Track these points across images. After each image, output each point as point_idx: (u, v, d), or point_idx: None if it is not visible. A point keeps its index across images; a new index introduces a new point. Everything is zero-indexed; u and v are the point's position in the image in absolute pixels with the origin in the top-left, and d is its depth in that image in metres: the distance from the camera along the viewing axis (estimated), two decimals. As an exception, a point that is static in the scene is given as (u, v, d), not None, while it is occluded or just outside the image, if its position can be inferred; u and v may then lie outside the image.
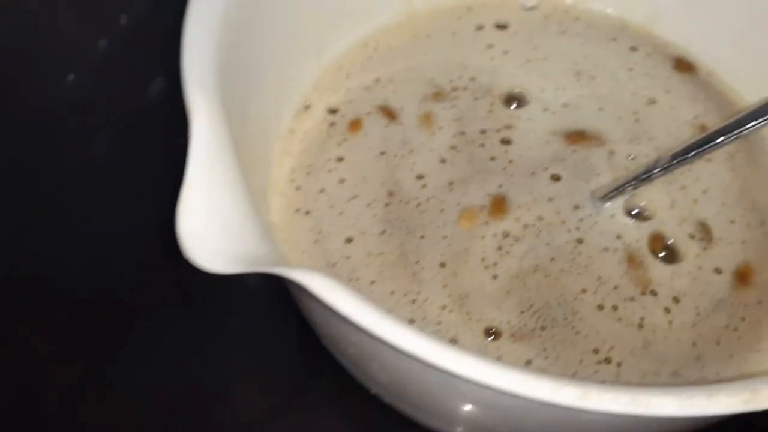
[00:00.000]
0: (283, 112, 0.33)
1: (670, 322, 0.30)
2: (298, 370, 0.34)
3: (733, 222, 0.33)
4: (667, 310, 0.30)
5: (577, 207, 0.32)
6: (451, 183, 0.33)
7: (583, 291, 0.30)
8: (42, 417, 0.32)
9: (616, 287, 0.31)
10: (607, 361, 0.29)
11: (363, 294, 0.29)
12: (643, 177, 0.31)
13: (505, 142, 0.34)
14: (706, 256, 0.32)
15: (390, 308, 0.30)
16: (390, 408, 0.30)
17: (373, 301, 0.29)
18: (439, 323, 0.29)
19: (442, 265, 0.31)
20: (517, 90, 0.36)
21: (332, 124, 0.35)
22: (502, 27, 0.38)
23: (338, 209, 0.32)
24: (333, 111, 0.35)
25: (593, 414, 0.20)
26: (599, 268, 0.31)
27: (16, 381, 0.33)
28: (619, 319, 0.30)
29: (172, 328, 0.34)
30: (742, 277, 0.32)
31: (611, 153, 0.34)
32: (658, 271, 0.31)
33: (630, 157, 0.34)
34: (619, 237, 0.32)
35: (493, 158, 0.34)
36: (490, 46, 0.37)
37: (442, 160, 0.34)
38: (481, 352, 0.29)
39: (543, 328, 0.29)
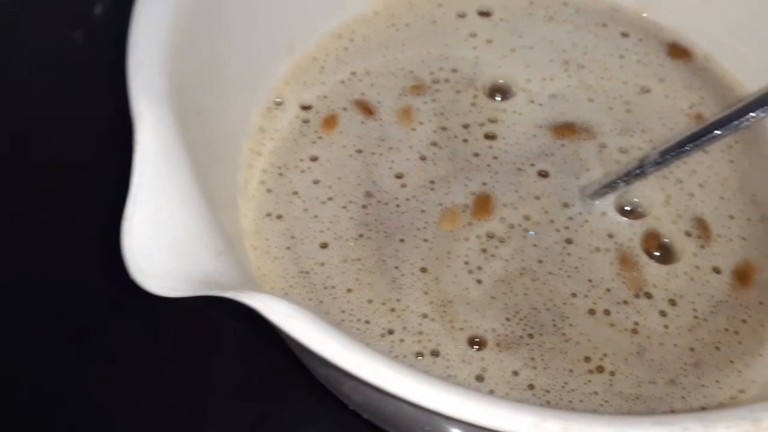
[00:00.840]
0: (252, 110, 0.32)
1: (666, 327, 0.28)
2: (276, 384, 0.33)
3: (732, 218, 0.31)
4: (663, 314, 0.29)
5: (565, 205, 0.31)
6: (432, 182, 0.31)
7: (573, 295, 0.29)
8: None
9: (608, 290, 0.29)
10: (600, 369, 0.27)
11: (339, 303, 0.28)
12: (636, 172, 0.29)
13: (490, 136, 0.32)
14: (704, 254, 0.30)
15: (367, 318, 0.28)
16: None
17: (350, 310, 0.28)
18: (420, 333, 0.28)
19: (423, 270, 0.29)
20: (501, 81, 0.34)
21: (305, 122, 0.33)
22: (485, 14, 0.36)
23: (312, 212, 0.30)
24: (306, 107, 0.33)
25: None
26: (590, 270, 0.29)
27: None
28: (612, 325, 0.28)
29: (148, 343, 0.33)
30: (743, 276, 0.30)
31: (602, 146, 0.32)
32: (652, 271, 0.29)
33: (622, 150, 0.32)
34: (610, 236, 0.30)
35: (476, 154, 0.32)
36: (472, 35, 0.35)
37: (423, 158, 0.32)
38: (465, 363, 0.27)
39: (531, 336, 0.28)
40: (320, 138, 0.32)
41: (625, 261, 0.30)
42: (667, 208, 0.31)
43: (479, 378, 0.27)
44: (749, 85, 0.34)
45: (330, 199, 0.31)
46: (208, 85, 0.27)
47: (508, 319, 0.28)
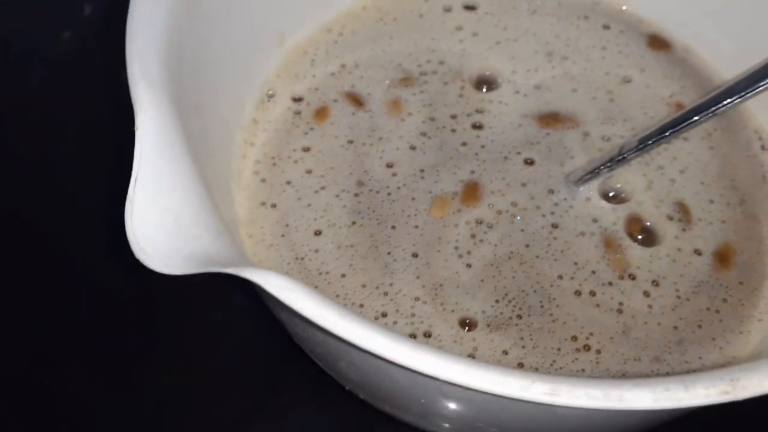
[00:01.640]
0: (246, 102, 0.32)
1: (650, 306, 0.29)
2: (274, 367, 0.33)
3: (712, 202, 0.32)
4: (647, 294, 0.30)
5: (551, 191, 0.32)
6: (421, 170, 0.32)
7: (560, 277, 0.30)
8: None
9: (593, 272, 0.30)
10: (586, 348, 0.28)
11: (333, 288, 0.29)
12: (619, 158, 0.30)
13: (477, 126, 0.33)
14: (685, 237, 0.31)
15: (361, 302, 0.29)
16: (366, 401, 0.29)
17: (344, 295, 0.29)
18: (412, 315, 0.29)
19: (415, 255, 0.30)
20: (487, 73, 0.35)
21: (297, 113, 0.33)
22: (470, 8, 0.37)
23: (306, 201, 0.31)
24: (297, 99, 0.34)
25: (568, 408, 0.19)
26: (576, 253, 0.30)
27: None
28: (598, 305, 0.29)
29: (141, 331, 0.34)
30: (723, 257, 0.31)
31: (585, 135, 0.33)
32: (636, 254, 0.30)
33: (605, 138, 0.33)
34: (595, 221, 0.31)
35: (464, 144, 0.33)
36: (458, 28, 0.36)
37: (412, 147, 0.33)
38: (457, 344, 0.28)
39: (519, 317, 0.29)
40: (312, 129, 0.33)
41: (609, 244, 0.31)
42: (650, 193, 0.32)
43: (470, 357, 0.28)
44: (727, 75, 0.35)
45: (323, 188, 0.31)
46: (203, 76, 0.27)
47: (497, 301, 0.29)
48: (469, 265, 0.30)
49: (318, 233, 0.30)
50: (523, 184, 0.32)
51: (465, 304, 0.29)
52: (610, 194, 0.32)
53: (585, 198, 0.31)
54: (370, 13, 0.37)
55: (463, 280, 0.29)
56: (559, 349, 0.28)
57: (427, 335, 0.28)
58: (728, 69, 0.35)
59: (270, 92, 0.34)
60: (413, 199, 0.31)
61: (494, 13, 0.37)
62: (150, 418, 0.32)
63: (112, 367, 0.33)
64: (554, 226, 0.31)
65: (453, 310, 0.29)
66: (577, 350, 0.28)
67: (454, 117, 0.33)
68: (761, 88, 0.27)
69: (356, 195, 0.31)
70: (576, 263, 0.30)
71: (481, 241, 0.30)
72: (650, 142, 0.29)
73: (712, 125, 0.34)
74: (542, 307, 0.29)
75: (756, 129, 0.34)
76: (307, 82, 0.34)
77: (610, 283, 0.30)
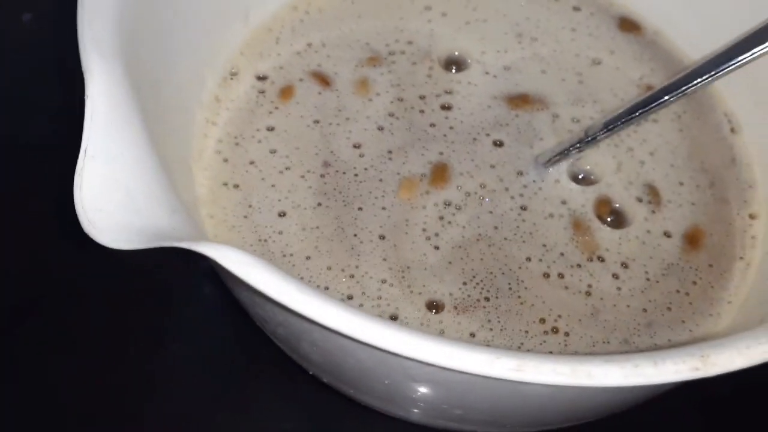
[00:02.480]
0: (207, 79, 0.31)
1: (619, 289, 0.29)
2: (237, 356, 0.33)
3: (681, 184, 0.32)
4: (616, 276, 0.29)
5: (520, 173, 0.31)
6: (389, 152, 0.31)
7: (528, 259, 0.29)
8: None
9: (561, 254, 0.29)
10: (555, 331, 0.28)
11: (298, 270, 0.28)
12: (588, 140, 0.30)
13: (446, 107, 0.33)
14: (655, 219, 0.31)
15: (327, 284, 0.28)
16: (331, 387, 0.29)
17: (309, 277, 0.28)
18: (379, 298, 0.28)
19: (382, 237, 0.29)
20: (456, 53, 0.34)
21: (261, 92, 0.33)
22: (440, -13, 0.36)
23: (270, 182, 0.30)
24: (262, 78, 0.33)
25: (535, 386, 0.19)
26: (544, 236, 0.30)
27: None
28: (566, 287, 0.29)
29: (108, 318, 0.33)
30: (693, 240, 0.31)
31: (555, 116, 0.33)
32: (605, 236, 0.30)
33: (574, 120, 0.33)
34: (564, 203, 0.31)
35: (433, 125, 0.32)
36: (427, 8, 0.36)
37: (380, 128, 0.32)
38: (424, 326, 0.27)
39: (487, 299, 0.28)
40: (277, 108, 0.32)
41: (578, 226, 0.30)
42: (619, 175, 0.32)
43: (437, 340, 0.27)
44: (696, 58, 0.35)
45: (287, 168, 0.31)
46: (161, 50, 0.26)
47: (465, 284, 0.28)
48: (437, 248, 0.29)
49: (282, 214, 0.30)
50: (492, 166, 0.31)
51: (432, 287, 0.28)
52: (580, 176, 0.31)
53: (554, 180, 0.31)
54: (337, -9, 0.36)
55: (430, 262, 0.29)
56: (527, 332, 0.28)
57: (394, 318, 0.28)
58: (698, 52, 0.35)
59: (233, 70, 0.33)
60: (381, 180, 0.30)
61: (464, -7, 0.36)
62: (112, 408, 0.31)
63: (73, 358, 0.32)
64: (523, 208, 0.30)
65: (420, 293, 0.28)
66: (546, 333, 0.28)
67: (422, 98, 0.33)
68: (728, 69, 0.27)
69: (322, 176, 0.31)
70: (545, 245, 0.29)
71: (450, 223, 0.30)
72: (620, 122, 0.29)
73: (682, 107, 0.34)
74: (510, 289, 0.28)
75: (725, 112, 0.34)
76: (271, 61, 0.33)
77: (579, 265, 0.29)
